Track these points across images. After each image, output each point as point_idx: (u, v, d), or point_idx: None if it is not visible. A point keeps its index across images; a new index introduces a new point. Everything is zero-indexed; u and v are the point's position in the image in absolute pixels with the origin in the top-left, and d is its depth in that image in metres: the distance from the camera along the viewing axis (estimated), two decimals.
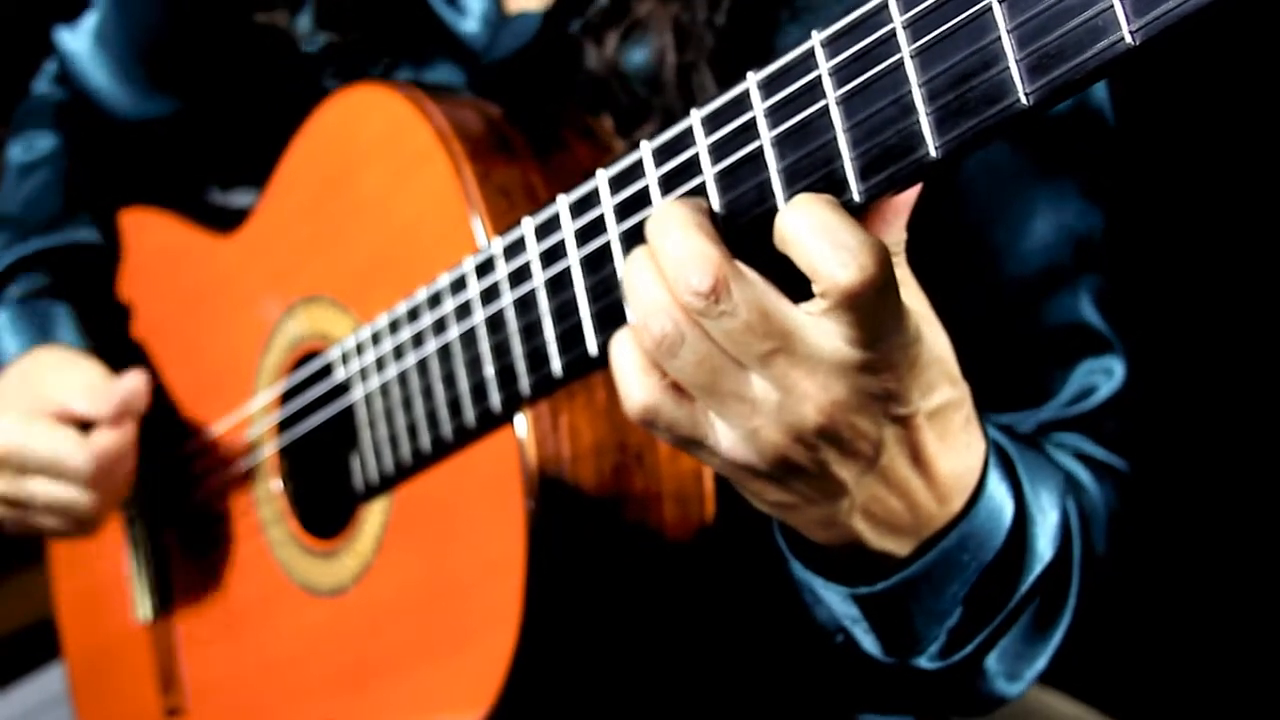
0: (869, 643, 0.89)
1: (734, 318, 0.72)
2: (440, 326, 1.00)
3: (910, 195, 0.76)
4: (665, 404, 0.76)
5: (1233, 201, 1.63)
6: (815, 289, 0.71)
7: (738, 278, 0.72)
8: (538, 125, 1.10)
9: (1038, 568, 0.89)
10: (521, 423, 0.99)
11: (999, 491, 0.85)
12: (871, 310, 0.71)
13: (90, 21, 1.48)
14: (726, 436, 0.76)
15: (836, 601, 0.87)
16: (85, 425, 1.25)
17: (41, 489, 1.25)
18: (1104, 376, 1.06)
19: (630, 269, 0.76)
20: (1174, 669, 1.68)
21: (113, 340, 1.39)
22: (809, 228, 0.70)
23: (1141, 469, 1.07)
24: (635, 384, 0.77)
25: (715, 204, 0.79)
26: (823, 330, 0.72)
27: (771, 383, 0.74)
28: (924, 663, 0.89)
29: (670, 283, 0.73)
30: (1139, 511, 1.05)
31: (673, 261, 0.73)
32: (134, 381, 1.24)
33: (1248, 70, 1.46)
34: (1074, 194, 1.04)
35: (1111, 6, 0.62)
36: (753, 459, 0.76)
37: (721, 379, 0.74)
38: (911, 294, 0.78)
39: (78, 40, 1.48)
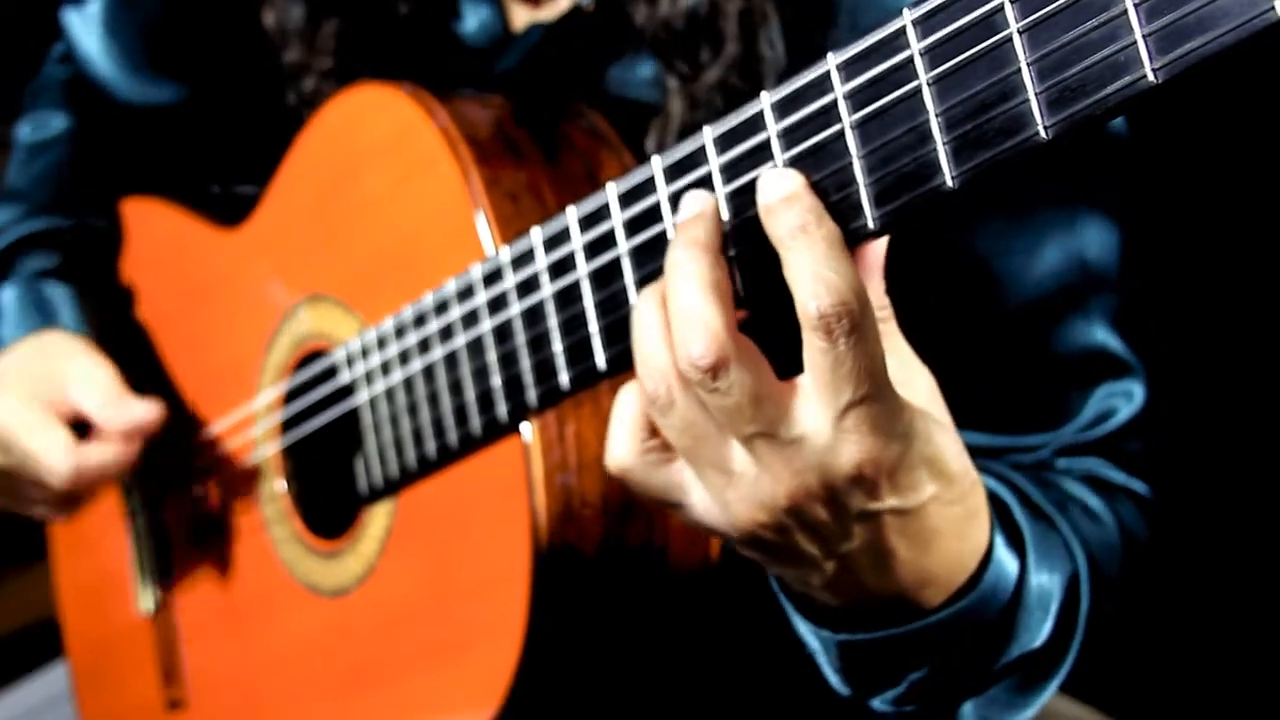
0: (829, 673, 0.90)
1: (727, 397, 0.73)
2: (447, 333, 0.99)
3: (879, 254, 0.77)
4: (638, 468, 0.79)
5: (1256, 217, 1.61)
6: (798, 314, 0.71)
7: (738, 358, 0.72)
8: (546, 127, 1.09)
9: (1016, 653, 0.89)
10: (528, 431, 0.98)
11: (993, 576, 0.84)
12: (850, 363, 0.70)
13: (96, 4, 1.47)
14: (701, 500, 0.79)
15: (804, 631, 0.88)
16: (81, 423, 1.25)
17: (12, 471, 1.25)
18: (1123, 399, 1.05)
19: (639, 312, 0.77)
20: (1174, 671, 1.68)
21: (115, 326, 1.39)
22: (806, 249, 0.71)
23: (1162, 491, 1.06)
24: (619, 441, 0.80)
25: (726, 225, 0.78)
26: (808, 409, 0.73)
27: (751, 458, 0.75)
28: (879, 704, 0.90)
29: (674, 341, 0.74)
30: (1160, 535, 1.05)
31: (681, 319, 0.73)
32: (152, 411, 1.23)
33: (1269, 81, 1.44)
34: (1087, 216, 1.02)
35: (1134, 43, 0.62)
36: (723, 526, 0.78)
37: (704, 447, 0.76)
38: (916, 388, 0.78)
39: (84, 22, 1.47)
